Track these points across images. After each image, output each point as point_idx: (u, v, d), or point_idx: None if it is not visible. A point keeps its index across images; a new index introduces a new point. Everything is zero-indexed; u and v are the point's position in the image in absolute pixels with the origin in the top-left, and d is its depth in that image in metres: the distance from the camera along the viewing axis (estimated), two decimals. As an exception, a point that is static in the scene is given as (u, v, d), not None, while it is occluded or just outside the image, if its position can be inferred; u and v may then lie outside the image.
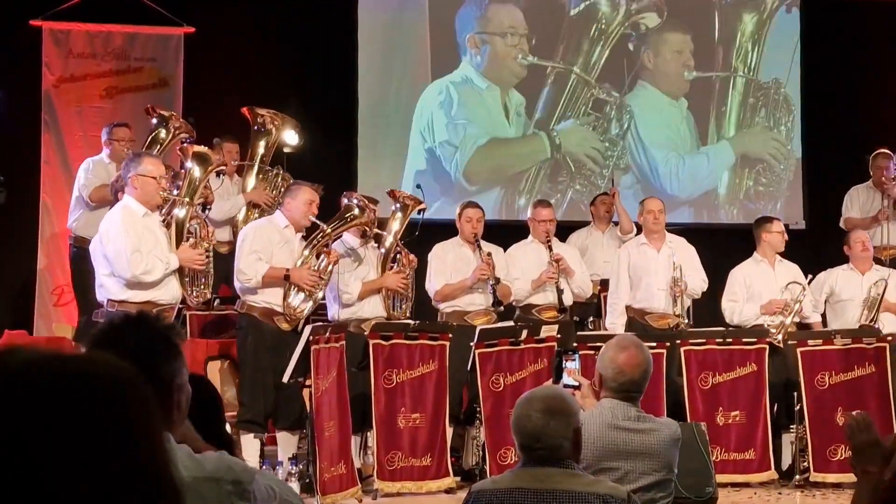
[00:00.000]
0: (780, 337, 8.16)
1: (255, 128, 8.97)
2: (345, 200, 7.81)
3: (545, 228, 8.53)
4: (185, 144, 7.76)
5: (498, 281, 8.17)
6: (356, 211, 7.73)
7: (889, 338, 8.11)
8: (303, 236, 7.59)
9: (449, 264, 8.21)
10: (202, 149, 7.47)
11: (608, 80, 10.09)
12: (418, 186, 9.03)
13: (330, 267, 7.50)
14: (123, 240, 6.58)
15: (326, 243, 7.59)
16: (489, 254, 8.25)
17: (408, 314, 8.05)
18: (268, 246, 7.40)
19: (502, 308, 8.28)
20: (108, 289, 6.66)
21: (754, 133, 10.51)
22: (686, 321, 8.44)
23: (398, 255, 8.01)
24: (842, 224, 9.76)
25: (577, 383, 4.40)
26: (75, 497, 1.21)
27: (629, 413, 3.99)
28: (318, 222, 7.53)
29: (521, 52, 9.90)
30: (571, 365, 4.53)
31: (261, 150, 8.95)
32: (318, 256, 7.51)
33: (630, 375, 4.02)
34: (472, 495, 3.42)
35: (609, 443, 3.86)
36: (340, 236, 7.81)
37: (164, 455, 1.32)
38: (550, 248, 8.46)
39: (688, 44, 10.10)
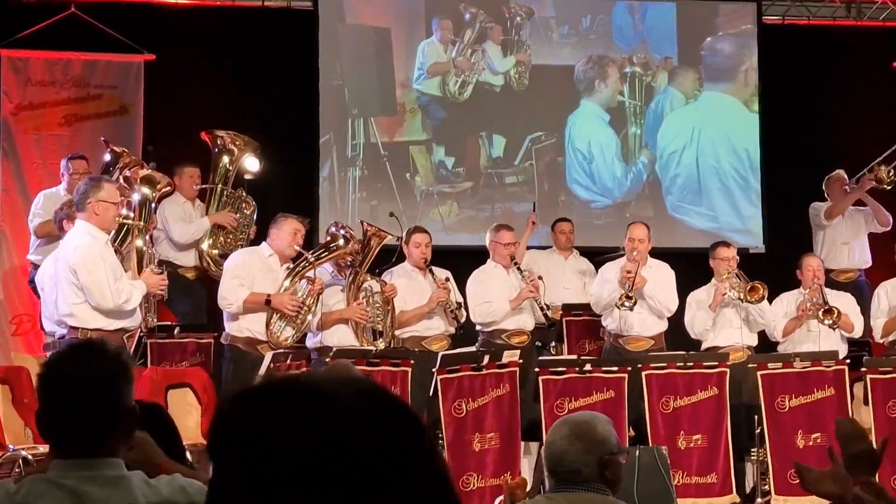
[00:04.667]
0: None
1: (216, 150, 8.96)
2: (332, 230, 7.93)
3: (510, 251, 8.55)
4: (129, 172, 7.73)
5: (459, 306, 8.20)
6: (341, 241, 7.86)
7: (848, 360, 8.20)
8: (287, 266, 7.67)
9: (402, 290, 8.21)
10: (148, 172, 7.49)
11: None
12: (391, 214, 8.99)
13: (314, 295, 7.60)
14: (103, 269, 6.54)
15: (310, 271, 7.64)
16: (447, 279, 8.29)
17: (382, 347, 7.97)
18: (250, 273, 7.56)
19: (461, 330, 8.29)
20: (79, 318, 6.57)
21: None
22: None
23: (371, 286, 8.02)
24: (823, 219, 9.92)
25: None
26: None
27: None
28: (302, 251, 7.63)
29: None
30: None
31: (223, 172, 8.94)
32: (301, 280, 7.56)
33: None
34: None
35: None
36: (322, 265, 7.84)
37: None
38: (520, 269, 8.48)
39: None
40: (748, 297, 8.38)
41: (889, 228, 9.99)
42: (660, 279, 8.59)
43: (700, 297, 8.67)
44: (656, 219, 10.21)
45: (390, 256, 8.47)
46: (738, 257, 8.70)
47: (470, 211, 10.44)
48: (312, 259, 7.68)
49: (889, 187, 9.77)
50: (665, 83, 10.62)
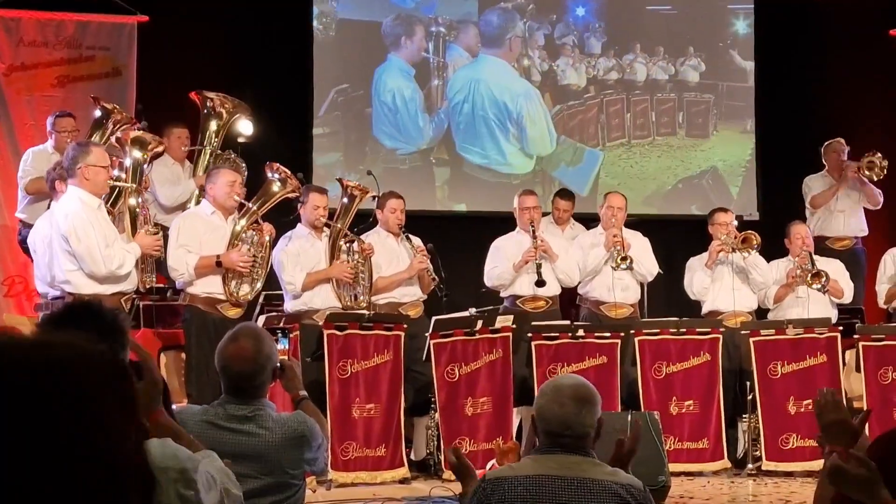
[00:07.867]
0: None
1: (205, 111, 8.90)
2: (267, 173, 7.71)
3: (529, 216, 8.55)
4: (120, 134, 7.67)
5: (437, 281, 8.18)
6: (277, 184, 7.63)
7: (840, 327, 8.21)
8: (235, 219, 7.51)
9: (376, 255, 8.11)
10: (138, 133, 7.43)
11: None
12: (369, 173, 8.99)
13: (265, 241, 7.44)
14: (94, 236, 6.51)
15: (255, 220, 7.47)
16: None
17: (364, 305, 7.97)
18: (195, 236, 7.33)
19: (446, 298, 8.27)
20: (75, 284, 6.56)
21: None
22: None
23: (352, 245, 7.97)
24: (808, 205, 9.91)
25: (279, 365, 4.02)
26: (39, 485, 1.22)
27: (234, 412, 3.66)
28: (244, 202, 7.46)
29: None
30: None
31: (211, 133, 8.88)
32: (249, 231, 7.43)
33: (237, 369, 3.68)
34: (490, 483, 3.27)
35: (210, 441, 3.31)
36: (265, 210, 7.68)
37: (131, 440, 1.31)
38: (535, 234, 8.47)
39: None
40: (741, 247, 8.41)
41: (879, 207, 9.98)
42: (637, 246, 8.63)
43: (697, 260, 8.70)
44: (451, 160, 10.94)
45: (362, 220, 8.40)
46: (735, 223, 8.72)
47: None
48: (255, 208, 7.47)
49: (877, 178, 9.71)
50: (459, 41, 11.12)
